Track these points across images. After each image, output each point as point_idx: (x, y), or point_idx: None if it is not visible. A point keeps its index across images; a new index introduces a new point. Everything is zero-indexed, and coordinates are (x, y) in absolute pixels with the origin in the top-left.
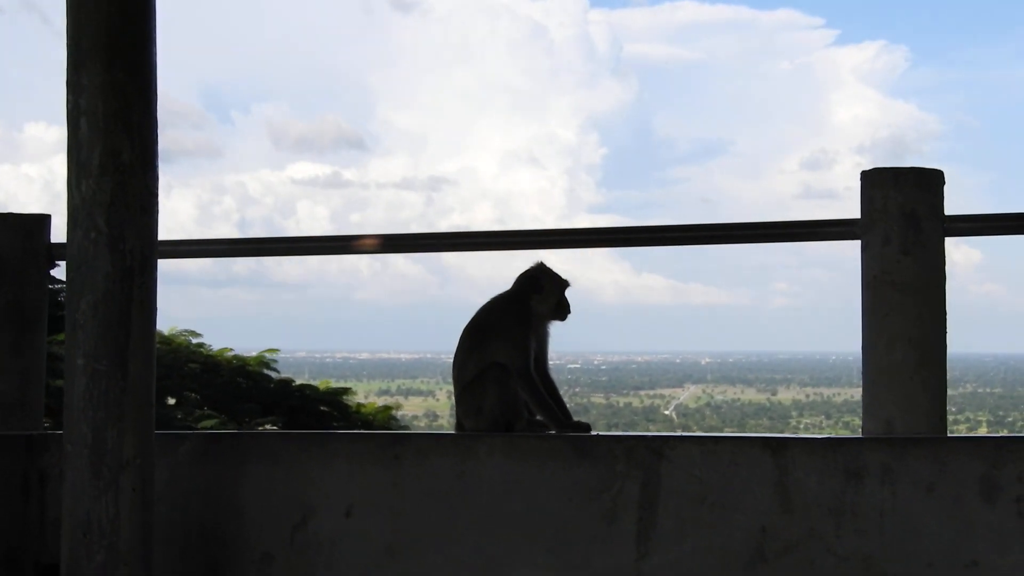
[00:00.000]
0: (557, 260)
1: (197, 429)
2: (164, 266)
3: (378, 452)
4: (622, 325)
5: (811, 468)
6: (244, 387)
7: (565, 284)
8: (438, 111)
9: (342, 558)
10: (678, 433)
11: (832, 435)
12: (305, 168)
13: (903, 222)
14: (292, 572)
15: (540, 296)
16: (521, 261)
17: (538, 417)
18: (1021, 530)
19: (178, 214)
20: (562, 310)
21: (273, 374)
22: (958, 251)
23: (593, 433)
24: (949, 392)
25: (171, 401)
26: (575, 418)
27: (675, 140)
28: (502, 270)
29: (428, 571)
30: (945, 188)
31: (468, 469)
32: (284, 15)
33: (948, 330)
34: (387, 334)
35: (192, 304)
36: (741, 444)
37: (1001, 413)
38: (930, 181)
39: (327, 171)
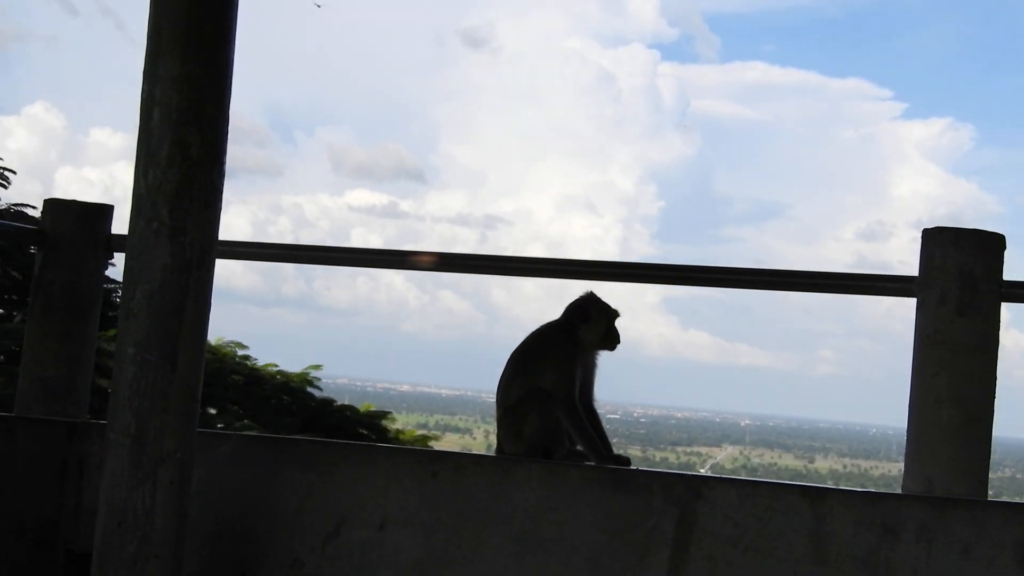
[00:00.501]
0: (609, 298)
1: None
2: (215, 282)
3: (416, 468)
4: (665, 379)
5: (848, 520)
6: (286, 402)
7: (615, 314)
8: (500, 150)
9: (372, 570)
10: (717, 475)
11: (872, 490)
12: (363, 195)
13: (960, 282)
14: None
15: (588, 326)
16: (570, 299)
17: (579, 447)
18: None
19: (233, 230)
20: (611, 340)
21: (316, 392)
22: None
23: (633, 467)
24: (989, 475)
25: (212, 411)
26: (616, 452)
27: (733, 199)
28: (548, 312)
29: None
30: (1005, 254)
31: (504, 491)
32: (356, 42)
33: (996, 398)
34: (430, 368)
35: (239, 320)
36: (779, 490)
37: None
38: (990, 244)
39: (384, 200)
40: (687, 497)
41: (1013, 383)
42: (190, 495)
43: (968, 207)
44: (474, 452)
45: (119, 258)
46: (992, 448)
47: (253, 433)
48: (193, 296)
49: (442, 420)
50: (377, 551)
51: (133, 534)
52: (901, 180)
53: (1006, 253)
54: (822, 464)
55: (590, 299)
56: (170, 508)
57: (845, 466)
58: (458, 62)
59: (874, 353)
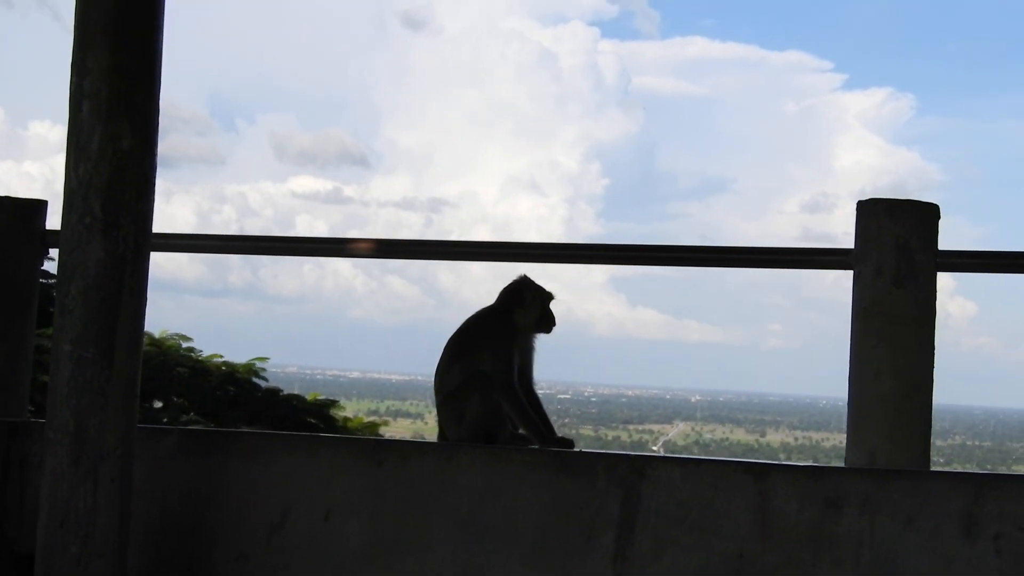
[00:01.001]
0: (554, 286)
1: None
2: (158, 272)
3: (360, 456)
4: (614, 358)
5: (792, 495)
6: (232, 394)
7: (549, 296)
8: (443, 132)
9: (319, 560)
10: (660, 454)
11: (815, 464)
12: (307, 182)
13: (896, 253)
14: (268, 571)
15: (523, 310)
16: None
17: (521, 431)
18: (999, 568)
19: (176, 220)
20: (546, 322)
21: (262, 383)
22: (953, 302)
23: (576, 449)
24: (938, 443)
25: (158, 404)
26: (562, 434)
27: (677, 175)
28: (497, 294)
29: None
30: (941, 225)
31: (448, 478)
32: (295, 27)
33: (938, 372)
34: (379, 354)
35: (185, 311)
36: (723, 468)
37: (989, 467)
38: (925, 214)
39: (328, 186)
40: (631, 478)
41: (961, 351)
42: (132, 492)
43: (911, 176)
44: (425, 437)
45: (56, 253)
46: (941, 416)
47: (195, 427)
48: (128, 290)
49: (393, 406)
50: (323, 541)
51: (76, 533)
52: (843, 151)
53: (948, 221)
54: (774, 437)
55: (524, 282)
56: (112, 506)
57: (796, 439)
58: (399, 45)
59: (822, 325)
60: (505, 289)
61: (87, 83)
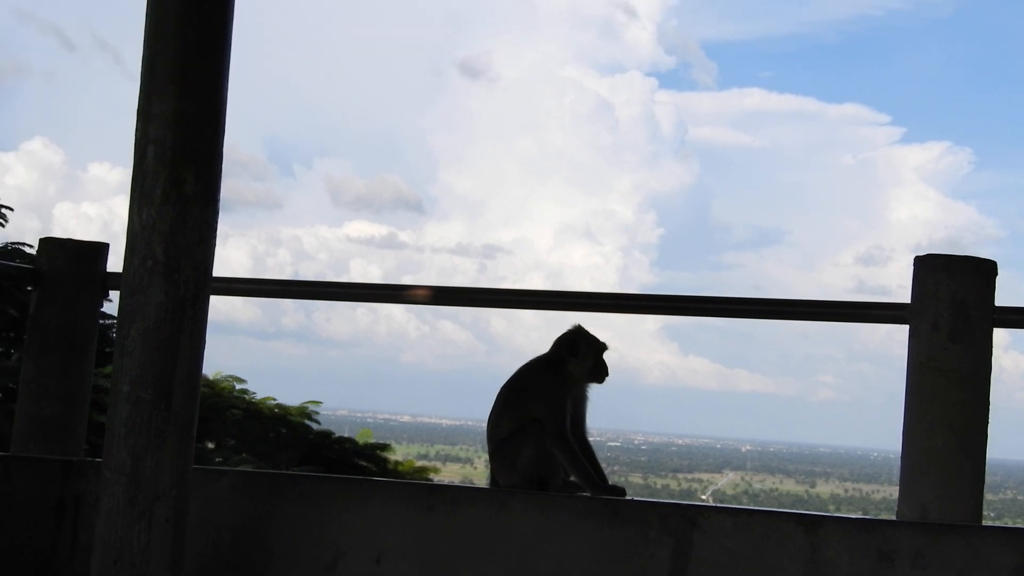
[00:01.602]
0: (607, 334)
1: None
2: (213, 314)
3: (412, 501)
4: (665, 406)
5: (843, 547)
6: (284, 436)
7: (603, 347)
8: (498, 179)
9: None
10: (711, 504)
11: (867, 516)
12: (361, 227)
13: (953, 309)
14: None
15: (576, 359)
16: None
17: (572, 478)
18: None
19: (232, 263)
20: (599, 373)
21: (314, 425)
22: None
23: (628, 498)
24: (989, 497)
25: (210, 445)
26: (613, 482)
27: (732, 226)
28: (549, 341)
29: None
30: (997, 281)
31: (500, 523)
32: (353, 73)
33: (991, 424)
34: (430, 399)
35: (239, 353)
36: (774, 518)
37: None
38: (982, 270)
39: (383, 231)
40: (682, 527)
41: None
42: (186, 532)
43: (967, 231)
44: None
45: (115, 295)
46: (993, 470)
47: (249, 469)
48: (188, 333)
49: (443, 450)
50: None
51: (129, 572)
52: (900, 204)
53: (1005, 276)
54: (823, 489)
55: (578, 332)
56: (166, 545)
57: (847, 490)
58: (455, 92)
59: (874, 377)
60: (559, 338)
61: (152, 129)
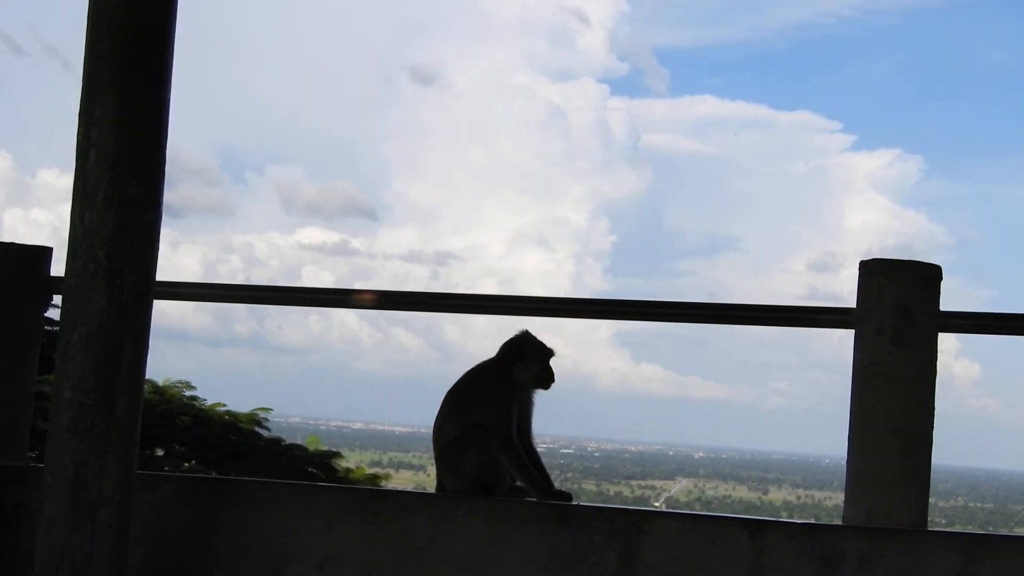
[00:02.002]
0: (559, 341)
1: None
2: (164, 321)
3: (357, 506)
4: (618, 413)
5: (788, 552)
6: (234, 443)
7: (549, 353)
8: (451, 186)
9: None
10: (659, 509)
11: (812, 521)
12: (313, 234)
13: (897, 314)
14: None
15: (523, 364)
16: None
17: (519, 483)
18: None
19: (183, 270)
20: (545, 379)
21: (264, 433)
22: (958, 363)
23: (575, 503)
24: (940, 504)
25: (160, 452)
26: (560, 487)
27: (685, 233)
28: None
29: None
30: (945, 287)
31: (445, 529)
32: (304, 79)
33: (940, 433)
34: (383, 405)
35: (190, 360)
36: (721, 523)
37: (991, 529)
38: (927, 275)
39: (335, 238)
40: (629, 532)
41: (964, 412)
42: (129, 539)
43: (917, 238)
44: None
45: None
46: (944, 477)
47: (193, 475)
48: (131, 338)
49: (396, 457)
50: None
51: None
52: (851, 212)
53: (954, 283)
54: (776, 496)
55: (525, 337)
56: (108, 552)
57: (799, 497)
58: (407, 99)
59: (827, 384)
60: (506, 343)
61: (94, 133)
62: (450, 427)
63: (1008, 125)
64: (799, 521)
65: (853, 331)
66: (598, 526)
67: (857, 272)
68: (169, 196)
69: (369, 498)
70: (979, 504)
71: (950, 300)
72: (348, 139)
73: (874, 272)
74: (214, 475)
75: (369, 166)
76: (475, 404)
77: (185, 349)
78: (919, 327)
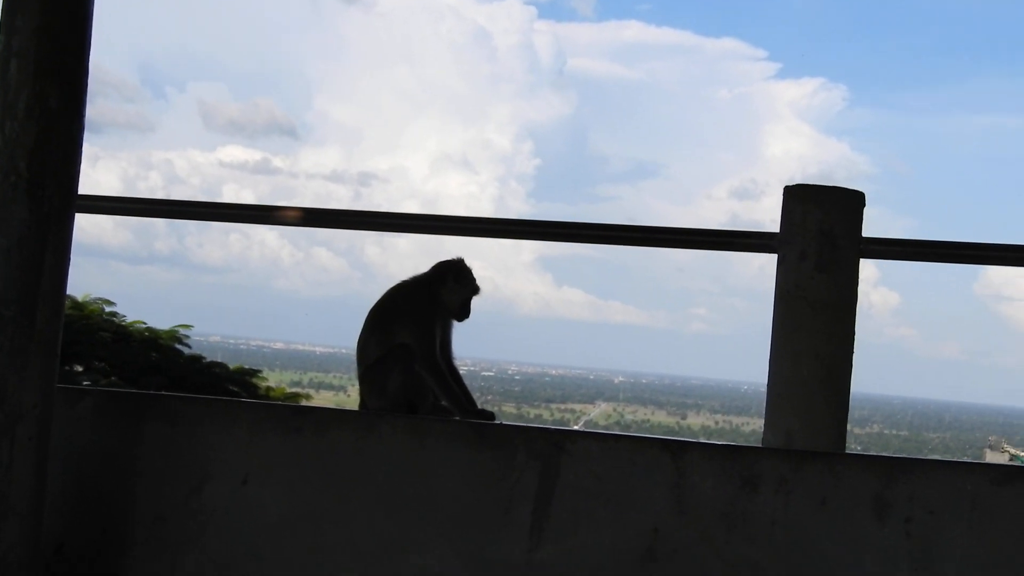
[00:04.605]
0: (481, 263)
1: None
2: (83, 237)
3: (279, 423)
4: (539, 337)
5: (708, 472)
6: (154, 360)
7: (476, 289)
8: (375, 107)
9: (235, 525)
10: (580, 428)
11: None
12: (235, 152)
13: (820, 239)
14: (184, 536)
15: (453, 286)
16: (443, 257)
17: (443, 402)
18: (908, 550)
19: (102, 185)
20: (464, 310)
21: (184, 350)
22: (877, 292)
23: (497, 422)
24: (856, 431)
25: (79, 368)
26: (483, 407)
27: (609, 158)
28: (424, 269)
29: (320, 546)
30: (867, 215)
31: (368, 446)
32: None
33: (858, 360)
34: (303, 325)
35: (109, 277)
36: (641, 444)
37: (905, 456)
38: (850, 201)
39: (257, 157)
40: (550, 451)
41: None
42: (49, 452)
43: (839, 166)
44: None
45: None
46: (861, 404)
47: (114, 389)
48: (52, 250)
49: (316, 378)
50: (240, 507)
51: None
52: (774, 140)
53: (876, 212)
54: (694, 420)
55: (461, 264)
56: (29, 465)
57: (717, 422)
58: (331, 18)
59: (747, 311)
60: (441, 263)
61: (15, 42)
62: (373, 347)
63: (933, 58)
64: (719, 443)
65: (776, 256)
66: (519, 445)
67: (780, 200)
68: (88, 111)
69: (291, 414)
70: (894, 431)
71: (872, 228)
72: (271, 57)
73: (798, 197)
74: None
75: (292, 85)
76: (399, 321)
77: (104, 266)
78: (842, 252)
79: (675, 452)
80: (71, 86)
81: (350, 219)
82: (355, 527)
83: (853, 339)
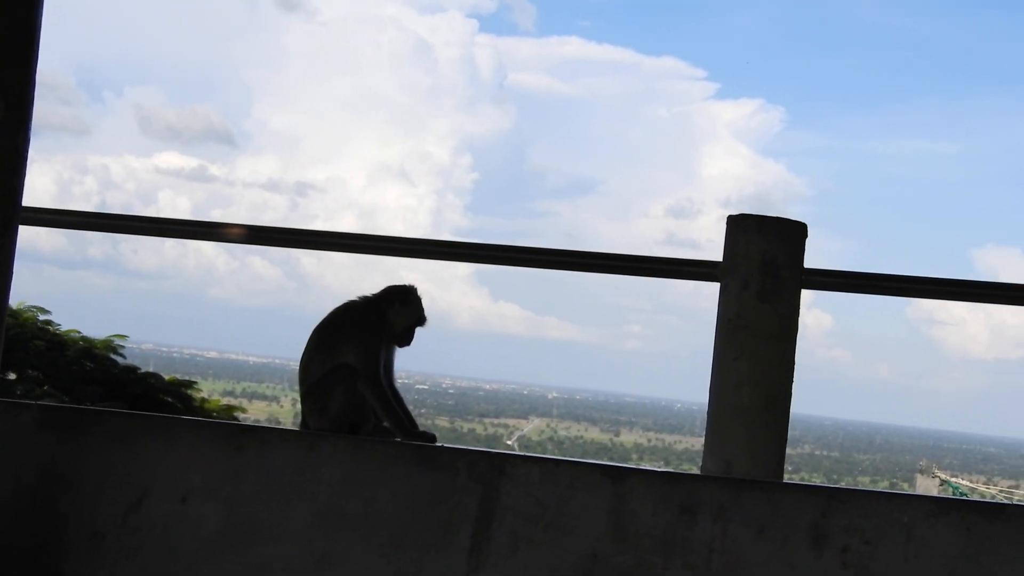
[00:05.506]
0: (418, 275)
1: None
2: (18, 241)
3: (221, 440)
4: (474, 351)
5: (647, 499)
6: (88, 370)
7: (423, 318)
8: (313, 116)
9: (174, 542)
10: (521, 453)
11: (672, 469)
12: (171, 158)
13: (763, 269)
14: (122, 552)
15: (398, 310)
16: (379, 276)
17: (385, 424)
18: None
19: (36, 189)
20: (407, 337)
21: (119, 359)
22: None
23: (438, 444)
24: (788, 452)
25: (12, 376)
26: (422, 427)
27: (546, 173)
28: (359, 282)
29: (260, 563)
30: (807, 242)
31: (309, 466)
32: (167, 1)
33: (796, 381)
34: (237, 335)
35: (42, 282)
36: (581, 469)
37: (836, 477)
38: (793, 232)
39: (193, 164)
40: (490, 474)
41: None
42: None
43: (776, 188)
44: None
45: None
46: (793, 425)
47: (54, 403)
48: None
49: (249, 387)
50: (180, 524)
51: None
52: (711, 159)
53: (811, 232)
54: (627, 438)
55: (412, 290)
56: None
57: (650, 440)
58: (271, 25)
59: (681, 330)
60: (391, 287)
61: None
62: (316, 365)
63: (870, 79)
64: (660, 470)
65: (718, 284)
66: (461, 467)
67: (716, 220)
68: None
69: (233, 432)
70: (825, 452)
71: (808, 252)
72: (209, 63)
73: (742, 227)
74: (67, 400)
75: (230, 92)
76: (344, 341)
77: (38, 270)
78: (784, 283)
79: (615, 478)
80: (17, 98)
81: (294, 238)
82: (294, 545)
83: (793, 368)
